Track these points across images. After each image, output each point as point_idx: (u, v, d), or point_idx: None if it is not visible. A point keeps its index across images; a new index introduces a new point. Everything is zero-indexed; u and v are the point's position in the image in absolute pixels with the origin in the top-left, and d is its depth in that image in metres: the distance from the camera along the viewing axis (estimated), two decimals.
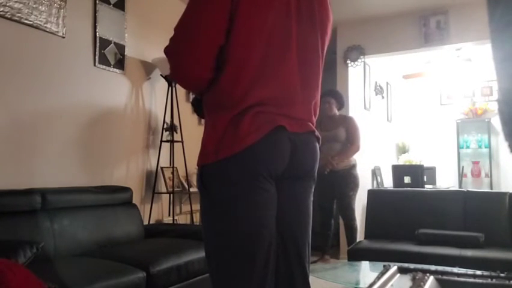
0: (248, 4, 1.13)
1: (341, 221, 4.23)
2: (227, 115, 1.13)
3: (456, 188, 5.80)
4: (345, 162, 3.99)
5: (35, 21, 2.74)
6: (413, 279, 1.09)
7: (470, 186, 6.21)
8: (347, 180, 3.99)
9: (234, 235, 1.14)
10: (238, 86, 1.14)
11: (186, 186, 3.86)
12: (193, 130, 4.20)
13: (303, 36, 1.23)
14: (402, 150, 6.79)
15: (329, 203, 4.09)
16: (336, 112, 4.12)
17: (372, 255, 2.89)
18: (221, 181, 1.14)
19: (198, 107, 1.34)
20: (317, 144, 1.29)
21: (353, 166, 4.07)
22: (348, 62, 4.83)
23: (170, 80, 3.62)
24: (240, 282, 1.14)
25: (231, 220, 1.14)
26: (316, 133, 1.29)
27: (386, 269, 1.17)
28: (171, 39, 1.18)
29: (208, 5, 1.13)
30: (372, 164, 5.50)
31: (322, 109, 3.88)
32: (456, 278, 1.09)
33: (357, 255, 3.01)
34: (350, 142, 4.00)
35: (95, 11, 3.20)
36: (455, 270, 1.14)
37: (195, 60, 1.15)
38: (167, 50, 1.19)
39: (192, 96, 4.16)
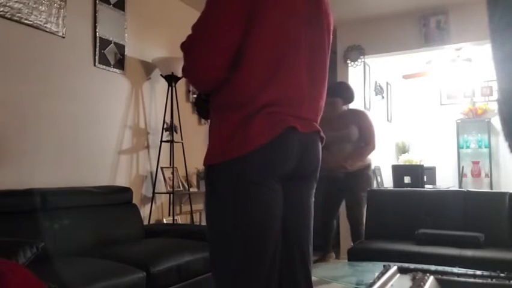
0: (266, 7, 1.14)
1: (341, 222, 4.20)
2: (238, 115, 1.14)
3: (456, 188, 5.79)
4: (361, 162, 3.64)
5: (35, 21, 2.74)
6: (413, 279, 1.09)
7: (470, 186, 6.21)
8: (359, 179, 3.65)
9: (241, 235, 1.14)
10: (252, 86, 1.15)
11: (186, 186, 3.86)
12: (193, 130, 4.20)
13: (312, 37, 1.25)
14: (402, 150, 6.79)
15: (336, 205, 3.77)
16: (344, 108, 3.70)
17: (372, 255, 2.88)
18: (231, 181, 1.14)
19: (202, 108, 1.33)
20: (320, 144, 1.31)
21: (368, 166, 3.74)
22: (348, 62, 4.83)
23: (183, 76, 3.61)
24: (246, 282, 1.14)
25: (240, 220, 1.14)
26: (321, 133, 1.30)
27: (386, 269, 1.17)
28: (189, 37, 1.18)
29: (228, 6, 1.14)
30: (372, 164, 5.50)
31: (325, 110, 3.73)
32: (456, 278, 1.09)
33: (357, 255, 3.01)
34: (365, 141, 3.61)
35: (95, 11, 3.20)
36: (455, 270, 1.14)
37: (212, 60, 1.15)
38: (184, 48, 1.19)
39: (193, 96, 4.16)
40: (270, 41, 1.16)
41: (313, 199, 1.33)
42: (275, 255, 1.17)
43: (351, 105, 3.83)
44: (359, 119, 3.64)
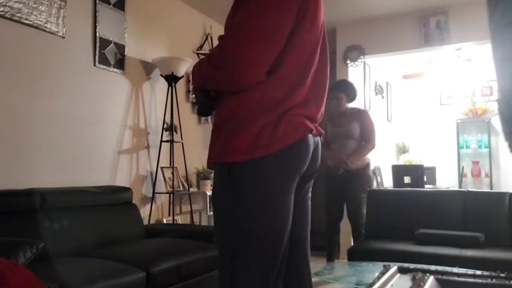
0: (310, 17, 1.20)
1: (342, 223, 4.18)
2: (266, 115, 1.15)
3: (456, 188, 5.80)
4: (359, 161, 3.63)
5: (35, 21, 2.74)
6: (413, 279, 1.08)
7: (470, 186, 6.22)
8: (360, 180, 3.62)
9: (261, 235, 1.15)
10: (283, 89, 1.18)
11: (186, 186, 3.86)
12: (193, 130, 4.20)
13: (323, 42, 1.32)
14: (402, 150, 6.79)
15: (338, 205, 3.70)
16: (347, 106, 3.71)
17: (372, 255, 2.88)
18: (255, 180, 1.14)
19: (206, 105, 1.29)
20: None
21: (367, 165, 3.72)
22: (348, 62, 4.83)
23: (190, 78, 3.62)
24: (262, 281, 1.15)
25: (260, 220, 1.15)
26: (322, 136, 1.35)
27: (386, 269, 1.17)
28: (233, 38, 1.16)
29: (280, 15, 1.15)
30: (372, 164, 5.50)
31: (330, 106, 3.59)
32: (456, 278, 1.09)
33: (357, 255, 3.01)
34: (365, 139, 3.63)
35: (95, 11, 3.20)
36: (455, 270, 1.14)
37: (260, 63, 1.14)
38: (226, 47, 1.16)
39: (193, 96, 4.15)
40: (304, 48, 1.21)
41: (310, 200, 1.37)
42: (284, 255, 1.19)
43: (352, 105, 3.83)
44: (361, 116, 3.67)
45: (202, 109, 1.33)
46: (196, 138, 4.16)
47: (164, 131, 3.68)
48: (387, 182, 5.60)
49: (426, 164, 5.45)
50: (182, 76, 3.72)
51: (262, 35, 1.13)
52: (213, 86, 1.24)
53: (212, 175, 3.13)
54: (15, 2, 2.62)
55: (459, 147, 6.42)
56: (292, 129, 1.16)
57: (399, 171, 4.85)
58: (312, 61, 1.25)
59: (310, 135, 1.22)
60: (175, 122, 3.71)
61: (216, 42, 1.28)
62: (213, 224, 1.27)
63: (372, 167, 5.42)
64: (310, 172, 1.29)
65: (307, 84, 1.23)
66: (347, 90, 3.69)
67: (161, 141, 3.64)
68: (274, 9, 1.14)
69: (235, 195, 1.16)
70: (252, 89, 1.16)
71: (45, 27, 2.81)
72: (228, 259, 1.18)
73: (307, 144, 1.21)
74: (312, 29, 1.24)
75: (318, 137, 1.31)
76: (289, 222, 1.19)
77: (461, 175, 6.06)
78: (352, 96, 3.71)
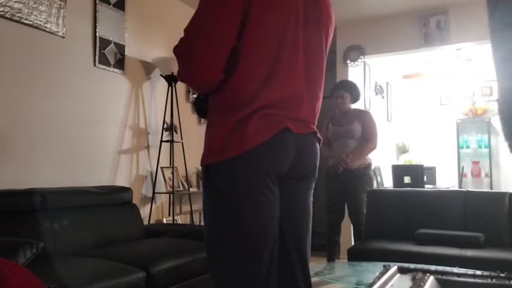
0: (261, 7, 1.14)
1: (342, 223, 4.18)
2: (236, 115, 1.14)
3: (456, 188, 5.80)
4: (360, 161, 3.63)
5: (35, 21, 2.74)
6: (413, 279, 1.08)
7: (470, 186, 6.22)
8: (360, 180, 3.60)
9: (240, 235, 1.15)
10: (249, 87, 1.15)
11: (186, 186, 3.86)
12: (193, 130, 4.20)
13: (309, 38, 1.25)
14: (402, 150, 6.79)
15: (340, 205, 3.68)
16: (351, 107, 3.73)
17: (372, 255, 2.89)
18: (228, 180, 1.15)
19: (200, 107, 1.34)
20: (318, 145, 1.32)
21: (369, 165, 3.71)
22: (348, 62, 4.83)
23: (179, 80, 3.61)
24: (245, 282, 1.14)
25: (238, 220, 1.15)
26: (318, 134, 1.31)
27: (386, 269, 1.16)
28: (182, 41, 1.17)
29: (222, 9, 1.13)
30: (373, 163, 5.50)
31: (334, 105, 3.68)
32: (456, 278, 1.09)
33: (357, 255, 3.01)
34: (367, 139, 3.63)
35: (95, 11, 3.20)
36: (455, 270, 1.14)
37: (209, 62, 1.14)
38: (178, 51, 1.18)
39: (192, 96, 4.16)
40: (266, 41, 1.16)
41: (311, 199, 1.34)
42: (273, 255, 1.18)
43: (354, 106, 3.84)
44: (363, 116, 3.68)
45: (197, 111, 1.41)
46: (196, 138, 4.16)
47: (164, 131, 3.69)
48: (387, 182, 5.60)
49: (426, 164, 5.45)
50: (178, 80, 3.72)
51: (208, 32, 1.12)
52: (190, 88, 1.28)
53: None
54: (15, 2, 2.62)
55: (459, 147, 6.42)
56: (263, 127, 1.14)
57: (399, 171, 4.84)
58: (287, 56, 1.18)
59: (287, 133, 1.18)
60: (175, 122, 3.71)
61: None
62: None
63: (372, 167, 5.42)
64: (302, 172, 1.26)
65: (287, 81, 1.19)
66: (351, 90, 3.71)
67: (161, 141, 3.64)
68: (214, 3, 1.13)
69: (212, 196, 1.18)
70: (224, 90, 1.17)
71: (45, 27, 2.81)
72: (212, 258, 1.19)
73: (284, 143, 1.18)
74: (276, 19, 1.17)
75: (309, 136, 1.27)
76: (271, 221, 1.17)
77: (461, 175, 6.06)
78: (356, 97, 3.73)
